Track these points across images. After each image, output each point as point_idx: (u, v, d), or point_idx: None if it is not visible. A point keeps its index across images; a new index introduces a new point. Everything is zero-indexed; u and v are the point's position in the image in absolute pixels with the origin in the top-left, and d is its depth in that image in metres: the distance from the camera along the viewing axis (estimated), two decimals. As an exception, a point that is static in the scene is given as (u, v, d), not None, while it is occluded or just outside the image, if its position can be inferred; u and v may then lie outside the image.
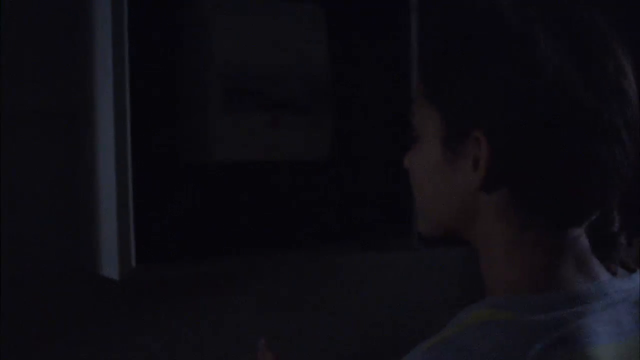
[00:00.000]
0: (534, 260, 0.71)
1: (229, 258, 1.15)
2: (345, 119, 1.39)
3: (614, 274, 0.75)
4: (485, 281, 0.76)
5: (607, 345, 0.67)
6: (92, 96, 1.13)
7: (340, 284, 1.44)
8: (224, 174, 1.26)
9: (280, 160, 1.22)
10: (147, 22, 1.17)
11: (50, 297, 1.17)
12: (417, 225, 0.83)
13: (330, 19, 1.30)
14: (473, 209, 0.74)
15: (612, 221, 0.76)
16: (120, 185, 1.05)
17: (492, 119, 0.69)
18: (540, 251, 0.71)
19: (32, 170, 1.15)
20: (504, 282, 0.73)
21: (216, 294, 1.31)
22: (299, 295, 1.40)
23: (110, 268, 1.07)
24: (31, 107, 1.15)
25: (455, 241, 0.81)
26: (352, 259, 1.39)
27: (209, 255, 1.14)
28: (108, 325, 1.21)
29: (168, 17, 1.21)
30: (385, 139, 1.38)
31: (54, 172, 1.17)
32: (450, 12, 0.76)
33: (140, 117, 1.10)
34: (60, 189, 1.17)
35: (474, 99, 0.70)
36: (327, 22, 1.27)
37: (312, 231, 1.34)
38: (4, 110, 1.13)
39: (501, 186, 0.71)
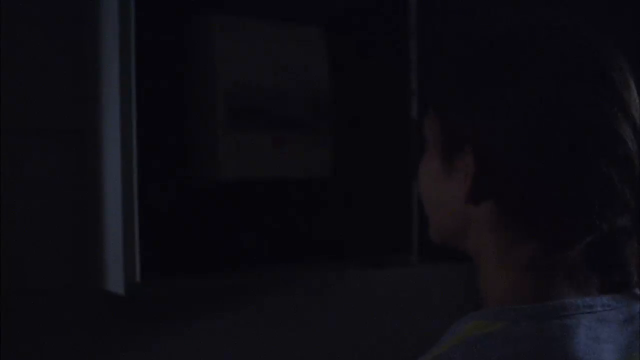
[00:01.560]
0: (524, 274, 0.72)
1: (232, 274, 1.16)
2: (346, 138, 1.41)
3: (610, 291, 0.76)
4: (480, 293, 0.78)
5: None
6: (98, 113, 1.14)
7: (339, 299, 1.45)
8: (228, 191, 1.27)
9: (282, 177, 1.23)
10: (154, 43, 1.20)
11: (55, 311, 1.18)
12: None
13: (331, 40, 1.33)
14: (466, 219, 0.76)
15: (609, 244, 0.75)
16: (126, 200, 1.06)
17: (480, 137, 0.71)
18: (531, 266, 0.72)
19: (38, 186, 1.17)
20: (495, 295, 0.74)
21: (220, 309, 1.32)
22: (300, 311, 1.40)
23: (115, 283, 1.08)
24: (37, 123, 1.17)
25: (456, 257, 0.83)
26: (352, 275, 1.40)
27: (213, 270, 1.15)
28: (113, 340, 1.22)
29: (174, 38, 1.23)
30: (386, 157, 1.39)
31: (60, 187, 1.18)
32: (450, 31, 0.78)
33: (146, 134, 1.11)
34: (66, 204, 1.18)
35: (465, 116, 0.72)
36: (327, 43, 1.29)
37: (313, 247, 1.36)
38: (10, 127, 1.14)
39: (487, 200, 0.73)
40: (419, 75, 1.32)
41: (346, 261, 1.30)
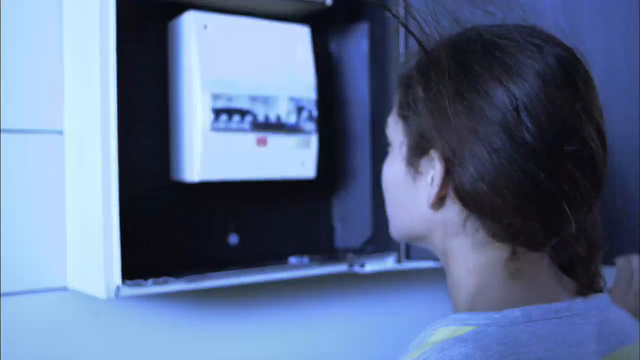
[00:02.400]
0: (491, 278, 0.72)
1: (215, 275, 1.15)
2: (331, 139, 1.41)
3: (578, 293, 0.75)
4: (450, 296, 0.77)
5: None
6: (79, 114, 1.13)
7: (325, 299, 1.44)
8: (212, 192, 1.26)
9: (267, 178, 1.22)
10: (136, 41, 1.18)
11: (37, 315, 1.16)
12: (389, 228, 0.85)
13: (316, 39, 1.32)
14: (432, 224, 0.75)
15: (574, 246, 0.75)
16: (106, 202, 1.05)
17: (445, 141, 0.70)
18: (498, 269, 0.72)
19: (21, 187, 1.15)
20: (463, 298, 0.74)
21: (202, 313, 1.31)
22: (285, 311, 1.40)
23: (96, 286, 1.07)
24: (17, 124, 1.15)
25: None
26: (338, 276, 1.39)
27: (195, 272, 1.14)
28: (94, 344, 1.20)
29: (157, 37, 1.22)
30: (370, 158, 1.39)
31: (42, 188, 1.16)
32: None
33: (128, 135, 1.10)
34: (48, 206, 1.17)
35: (431, 121, 0.72)
36: (313, 43, 1.28)
37: (297, 248, 1.35)
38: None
39: (453, 205, 0.72)
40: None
41: (331, 262, 1.29)
